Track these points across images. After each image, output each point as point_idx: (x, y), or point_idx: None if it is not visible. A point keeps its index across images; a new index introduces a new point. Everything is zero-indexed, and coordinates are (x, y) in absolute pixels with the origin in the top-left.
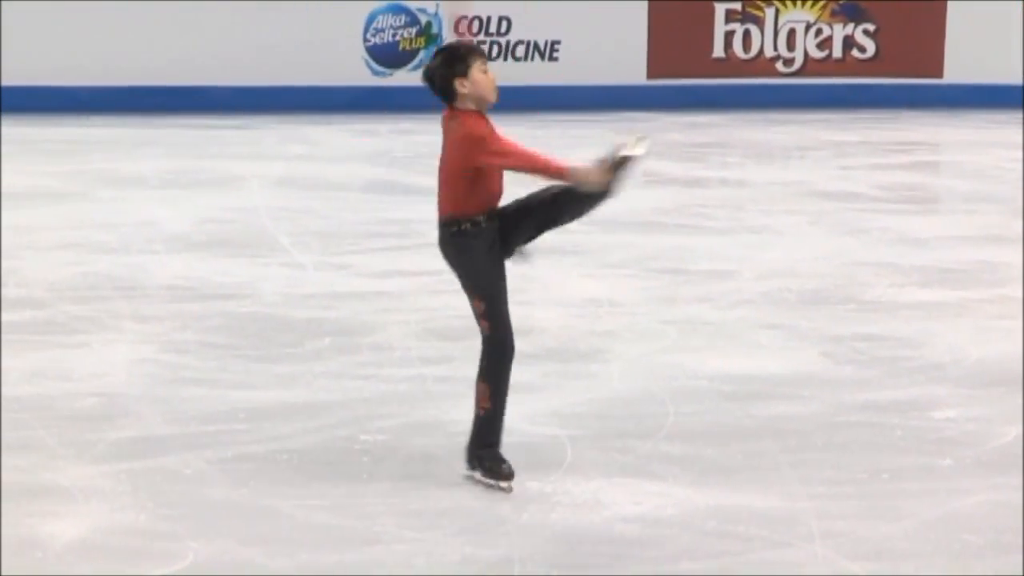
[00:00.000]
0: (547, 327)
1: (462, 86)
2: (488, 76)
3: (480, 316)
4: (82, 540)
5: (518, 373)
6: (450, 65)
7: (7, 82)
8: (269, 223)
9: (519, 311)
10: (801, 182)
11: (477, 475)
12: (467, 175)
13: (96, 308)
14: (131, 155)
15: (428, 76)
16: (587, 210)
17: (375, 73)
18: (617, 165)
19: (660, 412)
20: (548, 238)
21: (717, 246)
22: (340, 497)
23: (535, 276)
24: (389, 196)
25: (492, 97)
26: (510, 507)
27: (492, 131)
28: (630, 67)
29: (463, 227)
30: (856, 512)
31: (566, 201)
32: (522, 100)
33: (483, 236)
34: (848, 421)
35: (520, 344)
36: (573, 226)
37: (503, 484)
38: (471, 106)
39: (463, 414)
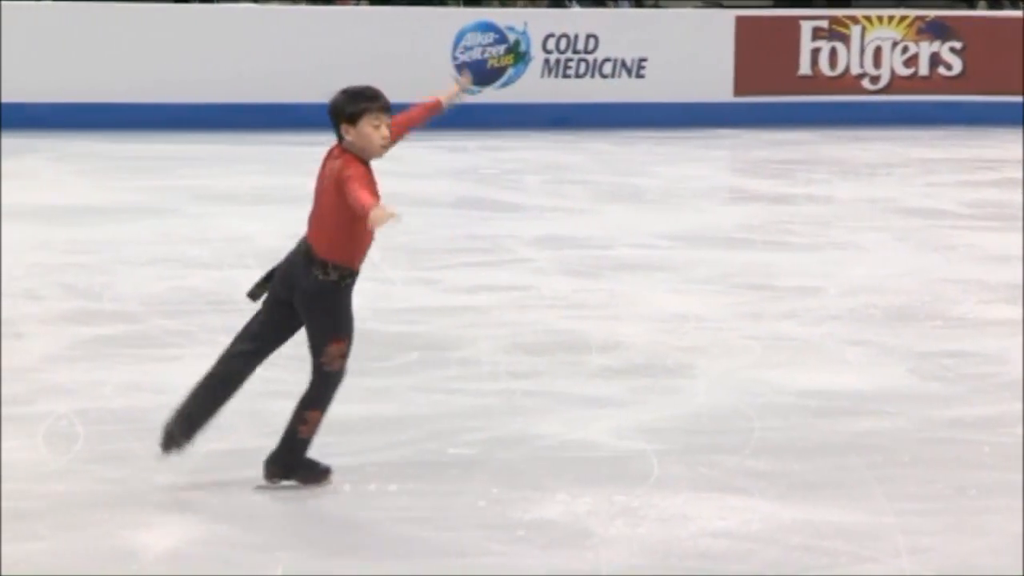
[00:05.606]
0: (633, 342)
1: (346, 132)
2: (379, 132)
3: (338, 357)
4: (174, 551)
5: (605, 387)
6: (342, 107)
7: (101, 99)
8: None
9: (605, 326)
10: (887, 199)
11: (290, 481)
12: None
13: (189, 322)
14: (224, 171)
15: (328, 107)
16: None
17: (463, 90)
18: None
19: (746, 427)
20: (634, 254)
21: (803, 262)
22: (428, 509)
23: (621, 292)
24: (477, 212)
25: (376, 154)
26: (597, 521)
27: (362, 174)
28: (717, 84)
29: (351, 280)
30: (942, 528)
31: None
32: (609, 117)
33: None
34: (934, 437)
35: (606, 359)
36: (659, 242)
37: (325, 478)
38: (354, 152)
39: (551, 428)
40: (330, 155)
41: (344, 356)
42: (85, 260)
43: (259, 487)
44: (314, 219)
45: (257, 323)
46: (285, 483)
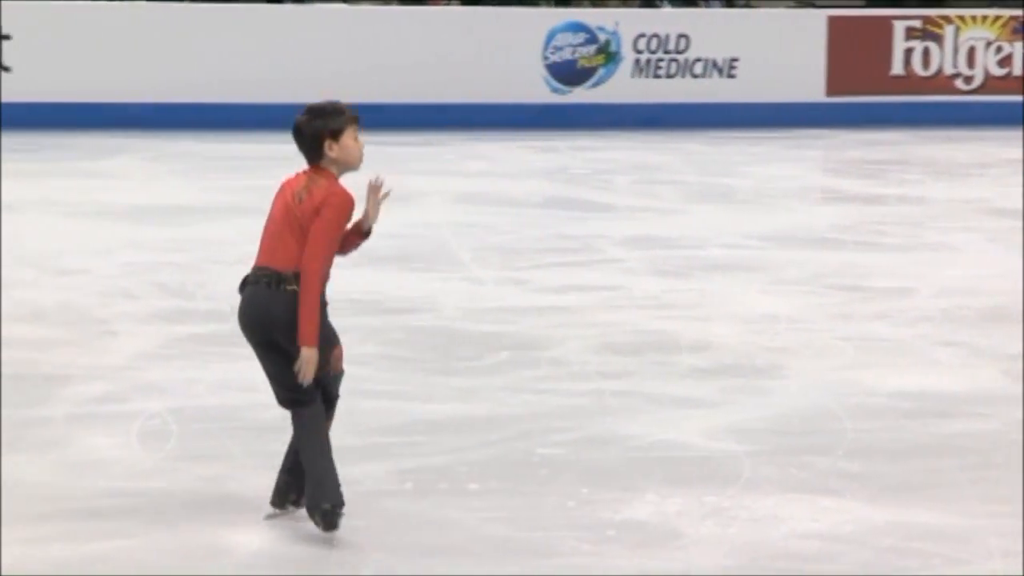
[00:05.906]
0: (724, 343)
1: (330, 149)
2: (358, 144)
3: (340, 358)
4: (266, 549)
5: (695, 388)
6: (323, 123)
7: (197, 99)
8: (450, 238)
9: (696, 326)
10: (980, 199)
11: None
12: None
13: None
14: None
15: (296, 130)
16: None
17: (554, 90)
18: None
19: (838, 429)
20: (724, 254)
21: (895, 263)
22: (518, 509)
23: (712, 292)
24: (567, 212)
25: (357, 165)
26: (687, 521)
27: (344, 204)
28: (809, 84)
29: (324, 287)
30: None
31: None
32: (700, 117)
33: None
34: None
35: (696, 360)
36: (750, 243)
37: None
38: (333, 170)
39: (640, 428)
40: (299, 175)
41: (341, 359)
42: (179, 259)
43: (351, 485)
44: (276, 239)
45: (276, 374)
46: (371, 487)
